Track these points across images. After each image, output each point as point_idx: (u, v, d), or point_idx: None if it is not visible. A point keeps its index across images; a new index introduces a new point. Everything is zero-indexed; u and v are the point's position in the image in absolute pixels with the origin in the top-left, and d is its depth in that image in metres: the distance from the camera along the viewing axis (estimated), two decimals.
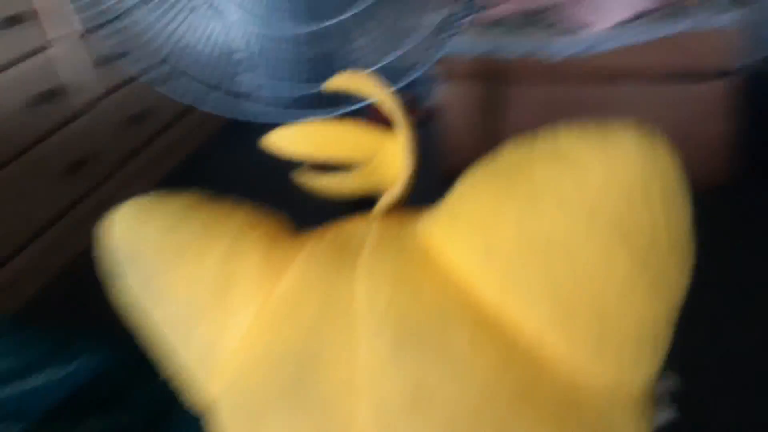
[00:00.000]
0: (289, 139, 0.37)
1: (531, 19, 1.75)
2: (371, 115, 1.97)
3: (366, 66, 0.88)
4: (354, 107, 0.90)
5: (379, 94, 0.35)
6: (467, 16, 0.84)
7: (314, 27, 0.81)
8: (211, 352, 0.32)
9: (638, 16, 1.64)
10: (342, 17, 0.81)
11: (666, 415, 0.22)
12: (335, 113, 0.91)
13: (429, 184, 2.05)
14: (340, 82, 0.37)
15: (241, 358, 0.29)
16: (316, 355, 0.28)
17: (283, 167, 2.14)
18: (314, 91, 0.88)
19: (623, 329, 0.24)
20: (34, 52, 1.61)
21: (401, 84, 0.89)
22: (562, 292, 0.24)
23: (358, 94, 0.36)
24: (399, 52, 0.86)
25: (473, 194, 0.30)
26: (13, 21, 1.54)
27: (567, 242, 0.24)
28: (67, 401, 0.55)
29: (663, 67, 1.56)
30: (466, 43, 1.66)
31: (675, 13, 1.59)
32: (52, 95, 1.64)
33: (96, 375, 0.57)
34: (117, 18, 0.76)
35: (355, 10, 0.81)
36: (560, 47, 1.60)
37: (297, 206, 2.04)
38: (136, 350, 0.60)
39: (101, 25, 0.65)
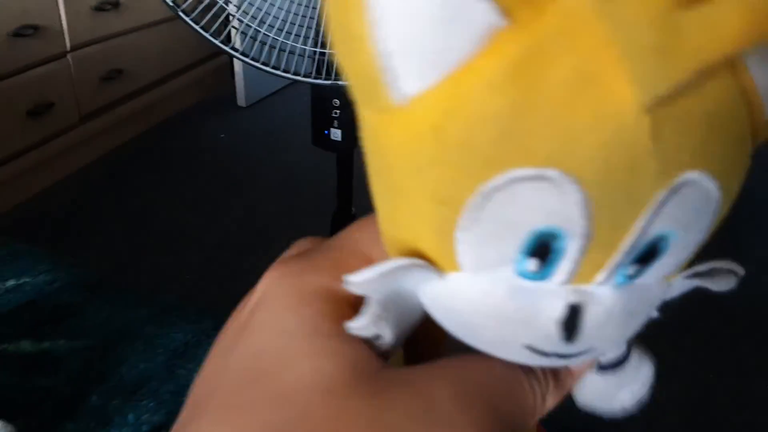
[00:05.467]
0: None
1: None
2: None
3: None
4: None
5: None
6: None
7: None
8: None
9: None
10: None
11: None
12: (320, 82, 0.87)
13: None
14: None
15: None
16: None
17: (247, 152, 2.09)
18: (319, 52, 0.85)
19: None
20: None
21: None
22: None
23: None
24: None
25: None
26: None
27: None
28: (1, 318, 0.50)
29: None
30: None
31: None
32: (36, 29, 1.56)
33: (38, 297, 0.52)
34: None
35: None
36: None
37: (256, 190, 1.97)
38: (89, 277, 0.55)
39: None
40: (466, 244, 0.14)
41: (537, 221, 0.13)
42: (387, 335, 0.16)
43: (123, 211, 1.66)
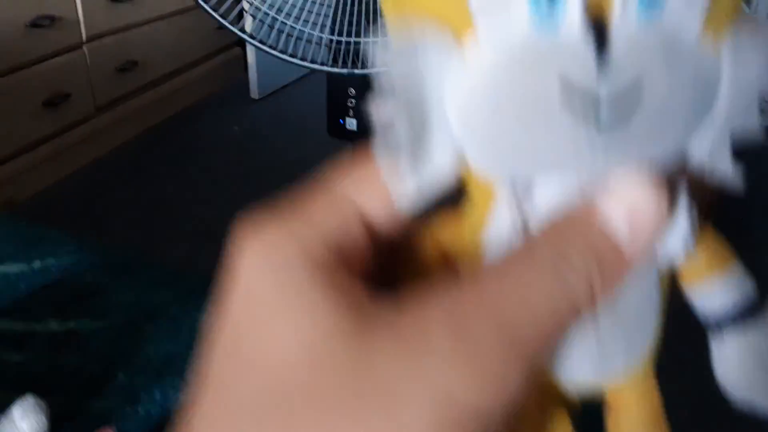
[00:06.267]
0: None
1: None
2: None
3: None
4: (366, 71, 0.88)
5: None
6: None
7: None
8: None
9: None
10: None
11: None
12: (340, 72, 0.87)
13: None
14: None
15: None
16: None
17: (260, 145, 2.08)
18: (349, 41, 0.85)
19: None
20: None
21: None
22: None
23: None
24: None
25: None
26: None
27: None
28: (29, 298, 0.51)
29: None
30: None
31: None
32: (53, 20, 1.57)
33: (64, 277, 0.53)
34: None
35: None
36: None
37: (269, 181, 1.98)
38: (114, 258, 0.56)
39: None
40: None
41: None
42: (403, 136, 0.14)
43: (137, 202, 1.68)
